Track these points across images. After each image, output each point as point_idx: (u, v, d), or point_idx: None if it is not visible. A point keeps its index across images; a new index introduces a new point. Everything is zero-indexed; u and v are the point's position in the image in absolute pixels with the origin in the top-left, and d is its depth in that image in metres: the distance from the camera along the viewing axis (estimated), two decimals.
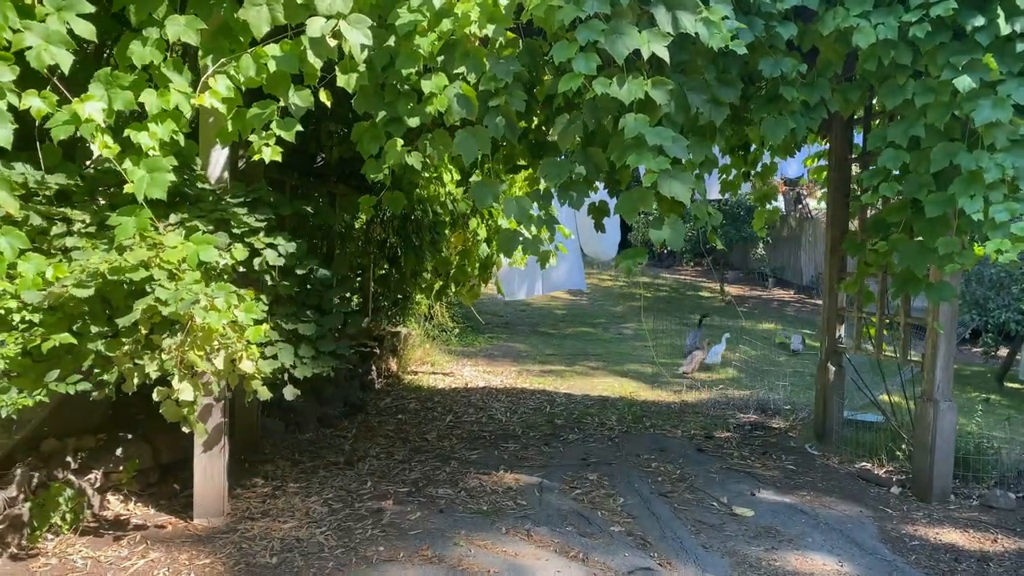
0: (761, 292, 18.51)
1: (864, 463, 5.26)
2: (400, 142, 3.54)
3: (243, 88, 3.36)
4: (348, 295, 6.27)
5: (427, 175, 6.56)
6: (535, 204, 3.68)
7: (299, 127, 3.41)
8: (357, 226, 7.54)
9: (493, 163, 5.84)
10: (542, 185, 3.88)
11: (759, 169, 6.24)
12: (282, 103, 3.38)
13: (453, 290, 7.44)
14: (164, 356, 3.35)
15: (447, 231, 7.12)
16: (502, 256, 7.64)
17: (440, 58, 3.45)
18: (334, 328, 4.13)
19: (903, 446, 5.19)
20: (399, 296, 8.88)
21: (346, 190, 7.00)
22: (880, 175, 3.99)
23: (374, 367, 7.68)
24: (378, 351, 7.81)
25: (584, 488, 4.66)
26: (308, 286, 4.15)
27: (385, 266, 6.67)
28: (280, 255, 3.76)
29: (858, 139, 5.86)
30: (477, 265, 7.06)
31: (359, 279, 7.81)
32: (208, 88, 3.24)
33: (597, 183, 4.73)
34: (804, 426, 6.24)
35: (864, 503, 4.56)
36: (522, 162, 5.80)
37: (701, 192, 3.75)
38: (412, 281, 6.76)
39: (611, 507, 4.36)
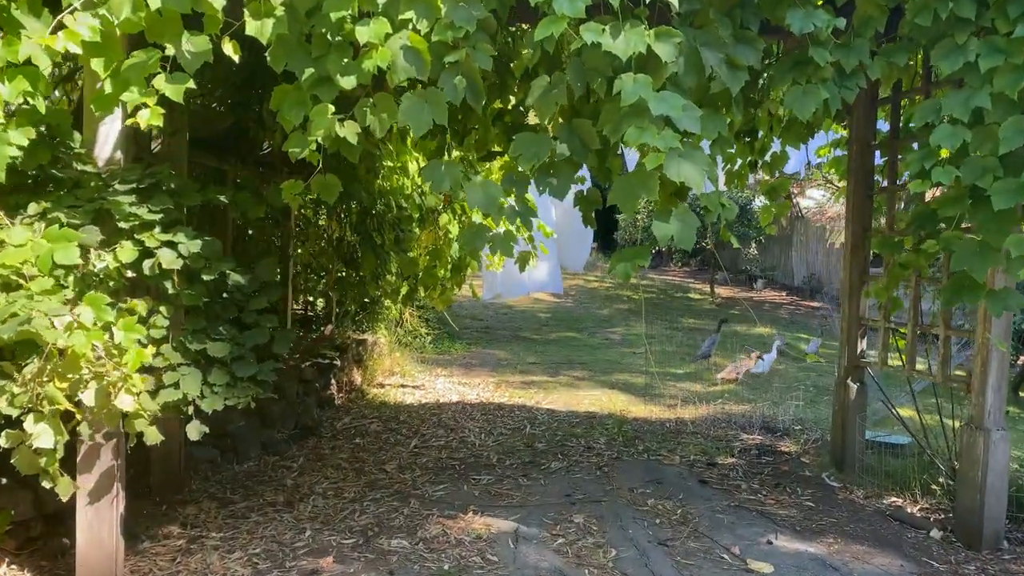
0: (752, 294, 17.85)
1: (894, 498, 4.51)
2: (330, 109, 2.74)
3: (119, 32, 2.54)
4: (279, 304, 5.46)
5: (390, 164, 5.76)
6: (507, 192, 2.90)
7: (192, 84, 2.60)
8: (322, 222, 6.73)
9: (463, 149, 5.06)
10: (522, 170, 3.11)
11: (767, 159, 5.50)
12: (171, 52, 2.57)
13: (422, 294, 6.64)
14: (15, 389, 2.53)
15: (416, 228, 6.31)
16: (480, 256, 6.85)
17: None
18: (257, 346, 3.32)
19: (940, 479, 4.45)
20: (366, 300, 8.07)
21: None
22: (931, 157, 3.23)
23: (334, 381, 6.86)
24: (339, 363, 6.98)
25: (569, 536, 3.87)
26: (224, 295, 3.34)
27: (342, 268, 5.86)
28: (181, 256, 2.94)
29: (882, 125, 5.13)
30: (449, 267, 6.26)
31: (322, 281, 7.00)
32: (63, 27, 2.42)
33: (584, 169, 3.97)
34: (818, 450, 5.50)
35: (902, 552, 3.81)
36: (497, 148, 5.02)
37: (713, 178, 2.97)
38: (374, 284, 5.96)
39: (601, 562, 3.57)
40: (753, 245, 16.36)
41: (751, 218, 15.05)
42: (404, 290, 6.40)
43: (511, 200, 3.11)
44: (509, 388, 7.79)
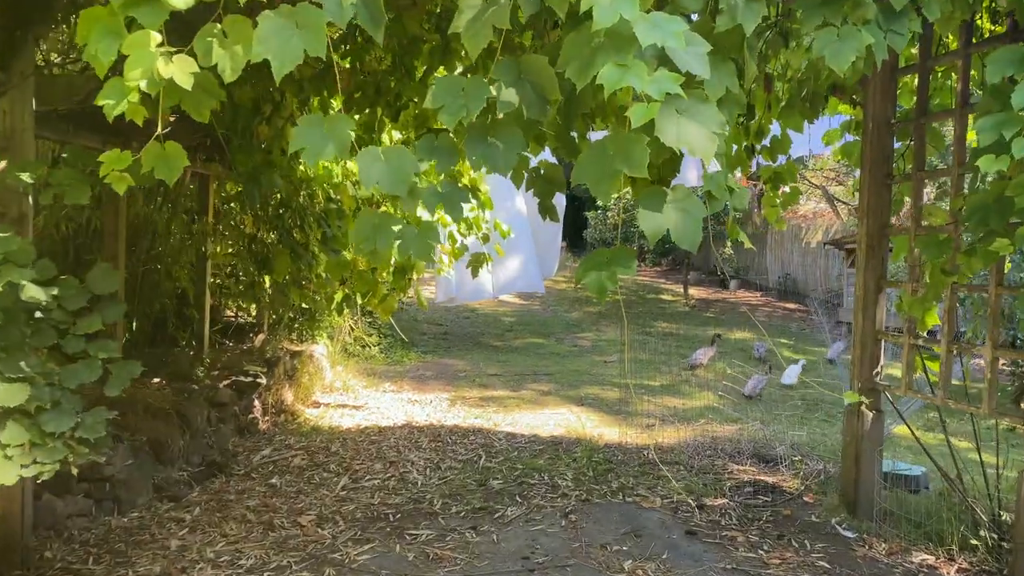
0: (726, 295, 17.14)
1: (925, 555, 3.69)
2: (154, 39, 1.79)
3: None
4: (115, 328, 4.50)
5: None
6: (420, 160, 1.98)
7: None
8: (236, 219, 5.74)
9: (399, 126, 4.14)
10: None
11: (767, 143, 4.67)
12: None
13: (359, 301, 5.70)
14: None
15: (351, 224, 5.35)
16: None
17: None
18: (81, 388, 2.36)
19: (981, 532, 3.63)
20: (304, 307, 7.10)
21: (219, 171, 5.20)
22: (1013, 124, 2.38)
23: (258, 402, 5.88)
24: (264, 380, 6.00)
25: None
26: (37, 316, 2.37)
27: (253, 271, 4.90)
28: None
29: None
30: (391, 269, 5.32)
31: (241, 286, 6.00)
32: None
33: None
34: (822, 486, 4.67)
35: None
36: (441, 125, 4.10)
37: (724, 149, 2.10)
38: (297, 290, 5.02)
39: None
40: (728, 244, 15.63)
41: (725, 215, 14.30)
42: (339, 296, 5.44)
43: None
44: (465, 406, 6.87)
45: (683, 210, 1.89)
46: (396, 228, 2.00)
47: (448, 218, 6.10)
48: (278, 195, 4.49)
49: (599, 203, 16.93)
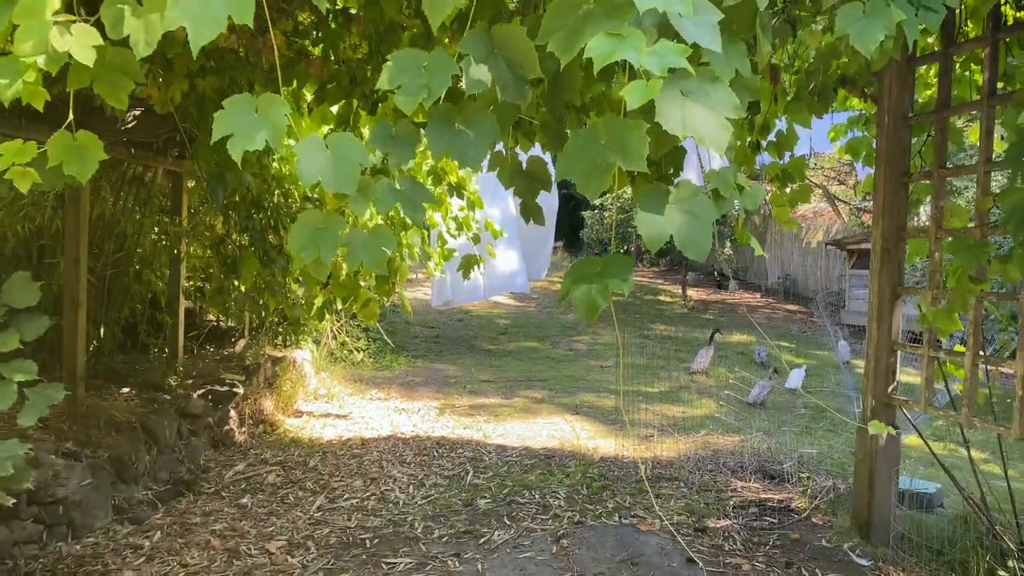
0: (724, 296, 16.85)
1: None
2: (51, 6, 1.48)
3: None
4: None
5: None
6: (373, 151, 1.67)
7: None
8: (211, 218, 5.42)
9: (377, 119, 3.83)
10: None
11: (772, 138, 4.37)
12: None
13: (340, 307, 5.39)
14: None
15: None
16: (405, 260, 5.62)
17: None
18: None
19: (1010, 562, 3.33)
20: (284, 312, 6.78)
21: (191, 168, 4.88)
22: None
23: (235, 412, 5.57)
24: (241, 389, 5.68)
25: None
26: None
27: (221, 276, 4.58)
28: None
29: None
30: (373, 274, 5.01)
31: (234, 291, 5.68)
32: None
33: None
34: (831, 506, 4.36)
35: None
36: (423, 119, 3.80)
37: (735, 140, 1.79)
38: (270, 296, 4.70)
39: None
40: (728, 244, 15.34)
41: (726, 214, 13.98)
42: (318, 302, 5.13)
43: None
44: (454, 415, 6.56)
45: (689, 212, 1.58)
46: (344, 233, 1.69)
47: (436, 218, 5.78)
48: (249, 194, 4.18)
49: (594, 201, 16.62)
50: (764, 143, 4.41)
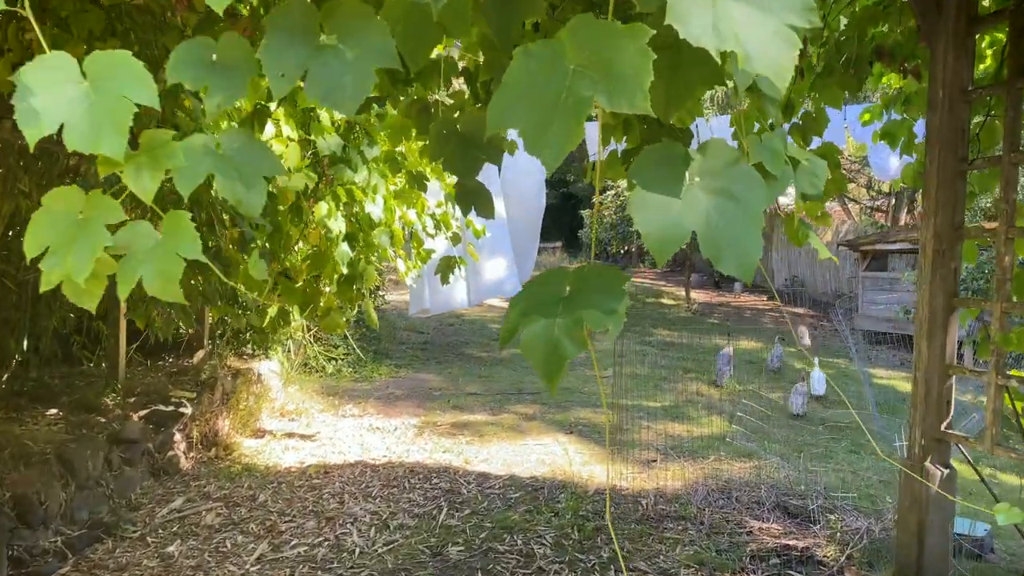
0: (729, 298, 16.16)
1: None
2: None
3: None
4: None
5: (230, 124, 3.82)
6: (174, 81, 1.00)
7: None
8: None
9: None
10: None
11: (798, 121, 3.70)
12: None
13: (297, 316, 4.72)
14: None
15: (286, 222, 4.37)
16: (378, 264, 4.96)
17: None
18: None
19: None
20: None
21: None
22: None
23: (180, 435, 4.89)
24: (188, 408, 5.02)
25: None
26: None
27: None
28: None
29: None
30: (335, 279, 4.34)
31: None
32: None
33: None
34: (866, 554, 3.69)
35: None
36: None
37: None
38: (215, 307, 4.04)
39: None
40: None
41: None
42: (272, 311, 4.46)
43: None
44: (434, 435, 5.89)
45: (724, 193, 0.91)
46: (125, 230, 1.02)
47: (411, 214, 5.10)
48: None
49: (593, 199, 15.90)
50: (787, 126, 3.74)
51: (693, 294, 15.21)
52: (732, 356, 8.29)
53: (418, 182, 4.01)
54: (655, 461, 5.36)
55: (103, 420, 4.61)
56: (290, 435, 5.74)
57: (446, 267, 5.06)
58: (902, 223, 15.40)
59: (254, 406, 6.01)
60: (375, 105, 4.03)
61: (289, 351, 7.37)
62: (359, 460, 5.17)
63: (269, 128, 4.00)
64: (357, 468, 4.97)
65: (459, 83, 3.48)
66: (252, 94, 3.09)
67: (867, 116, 4.08)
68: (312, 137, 4.14)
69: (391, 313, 11.45)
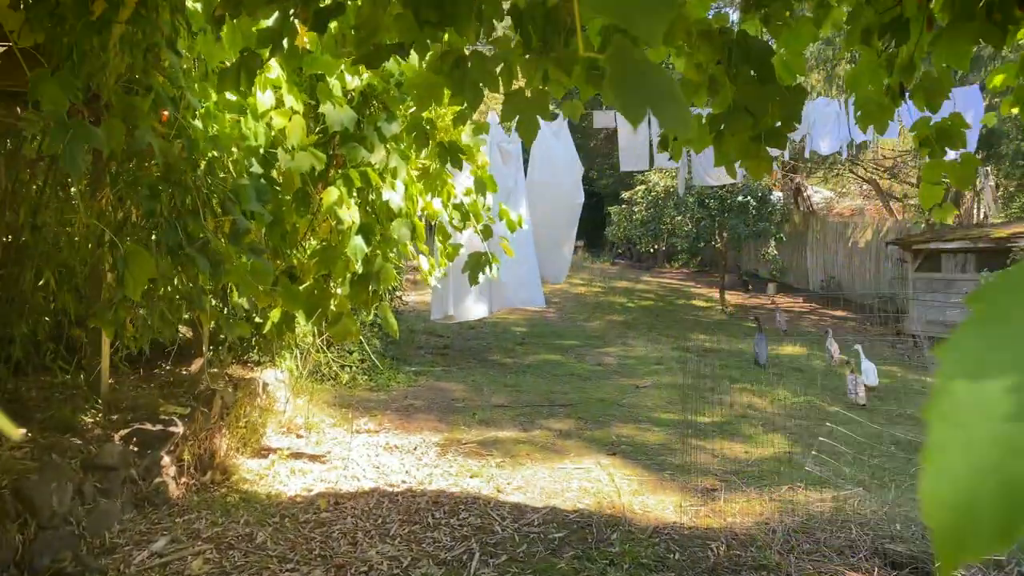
0: (763, 300, 15.37)
1: None
2: None
3: None
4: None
5: (229, 97, 3.18)
6: None
7: None
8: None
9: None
10: None
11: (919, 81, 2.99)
12: None
13: (303, 324, 4.06)
14: None
15: (297, 211, 3.69)
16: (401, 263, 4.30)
17: None
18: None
19: None
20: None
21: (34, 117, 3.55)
22: None
23: (169, 459, 4.24)
24: (179, 427, 4.36)
25: None
26: None
27: (112, 282, 3.23)
28: None
29: None
30: (347, 279, 3.66)
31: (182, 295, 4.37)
32: None
33: None
34: None
35: None
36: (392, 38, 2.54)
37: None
38: (197, 311, 3.38)
39: None
40: (772, 243, 13.84)
41: (771, 210, 12.53)
42: (275, 316, 3.78)
43: None
44: (459, 455, 5.20)
45: None
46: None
47: (435, 203, 4.43)
48: (151, 161, 2.87)
49: (623, 195, 15.19)
50: (909, 89, 3.02)
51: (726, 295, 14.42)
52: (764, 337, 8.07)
53: (451, 156, 3.32)
54: (716, 490, 4.64)
55: (79, 442, 3.96)
56: (297, 455, 5.07)
57: (475, 265, 4.38)
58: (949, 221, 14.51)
59: (258, 421, 5.36)
60: (396, 59, 3.36)
61: (299, 357, 6.71)
62: (375, 487, 4.49)
63: (268, 97, 3.34)
64: (372, 498, 4.30)
65: (503, 28, 2.80)
66: (235, 38, 2.41)
67: (999, 78, 3.33)
68: (320, 109, 3.46)
69: (409, 315, 10.79)
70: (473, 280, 4.35)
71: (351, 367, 7.34)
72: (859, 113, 2.87)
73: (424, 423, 6.05)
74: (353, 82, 3.64)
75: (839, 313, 14.10)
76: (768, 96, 2.55)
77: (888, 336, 12.04)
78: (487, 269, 4.37)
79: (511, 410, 6.54)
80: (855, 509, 4.22)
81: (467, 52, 2.48)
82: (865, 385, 7.07)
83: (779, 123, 2.58)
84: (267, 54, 2.33)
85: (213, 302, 3.76)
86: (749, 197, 12.06)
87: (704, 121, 2.70)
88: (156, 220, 2.88)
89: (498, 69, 2.50)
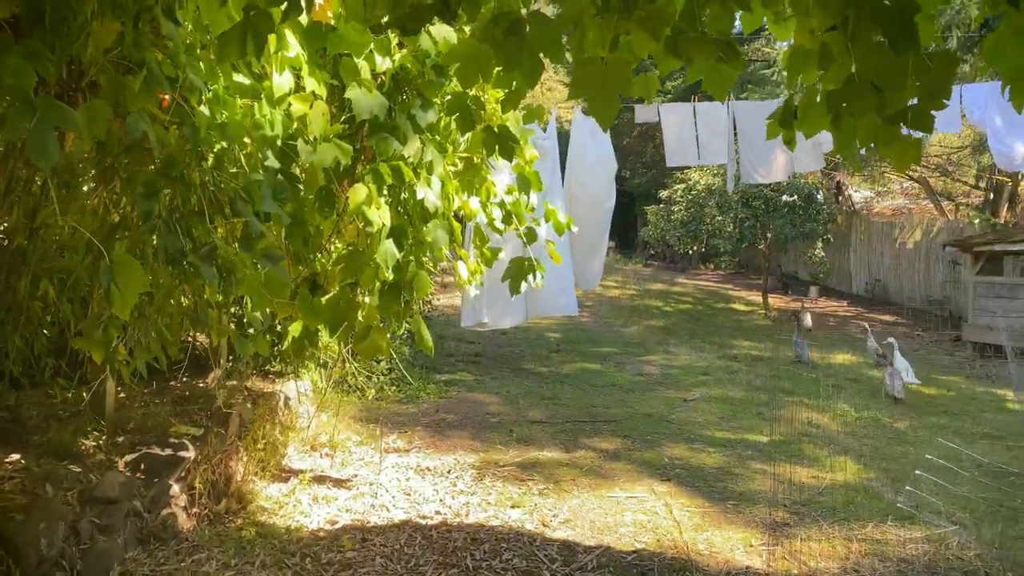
0: (807, 303, 14.69)
1: None
2: None
3: None
4: None
5: (239, 79, 2.74)
6: None
7: None
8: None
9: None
10: None
11: None
12: None
13: (325, 340, 3.62)
14: None
15: (321, 212, 3.23)
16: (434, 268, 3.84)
17: None
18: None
19: None
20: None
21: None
22: None
23: (178, 487, 3.81)
24: (191, 452, 3.94)
25: None
26: None
27: (101, 295, 2.81)
28: None
29: None
30: (376, 288, 3.20)
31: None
32: None
33: None
34: None
35: None
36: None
37: None
38: (209, 327, 2.94)
39: None
40: (819, 244, 13.18)
41: (817, 210, 11.89)
42: (295, 331, 3.33)
43: None
44: (497, 480, 4.72)
45: None
46: None
47: (473, 203, 3.98)
48: (147, 152, 2.44)
49: (661, 194, 14.59)
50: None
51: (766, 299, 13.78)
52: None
53: (501, 145, 2.84)
54: (787, 525, 4.12)
55: (78, 470, 3.55)
56: (320, 479, 4.63)
57: (518, 272, 3.88)
58: (1002, 220, 13.77)
59: (278, 440, 4.93)
60: (431, 36, 2.90)
61: (325, 365, 6.29)
62: (405, 520, 4.02)
63: (286, 78, 2.89)
64: (404, 533, 3.83)
65: None
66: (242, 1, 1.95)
67: None
68: (347, 94, 3.00)
69: (439, 320, 10.35)
70: (515, 290, 3.86)
71: (379, 377, 6.90)
72: (1008, 87, 2.33)
73: (458, 441, 5.58)
74: (384, 64, 3.17)
75: (887, 317, 13.42)
76: (900, 67, 2.04)
77: (942, 342, 11.36)
78: (531, 277, 3.89)
79: (550, 426, 6.04)
80: (955, 554, 3.67)
81: (525, 14, 2.00)
82: (903, 381, 7.06)
83: (915, 100, 2.07)
84: (280, 15, 1.87)
85: (226, 316, 3.32)
86: (795, 196, 11.43)
87: (818, 99, 2.19)
88: (154, 223, 2.43)
89: (564, 38, 2.02)
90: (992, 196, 14.07)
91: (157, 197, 2.48)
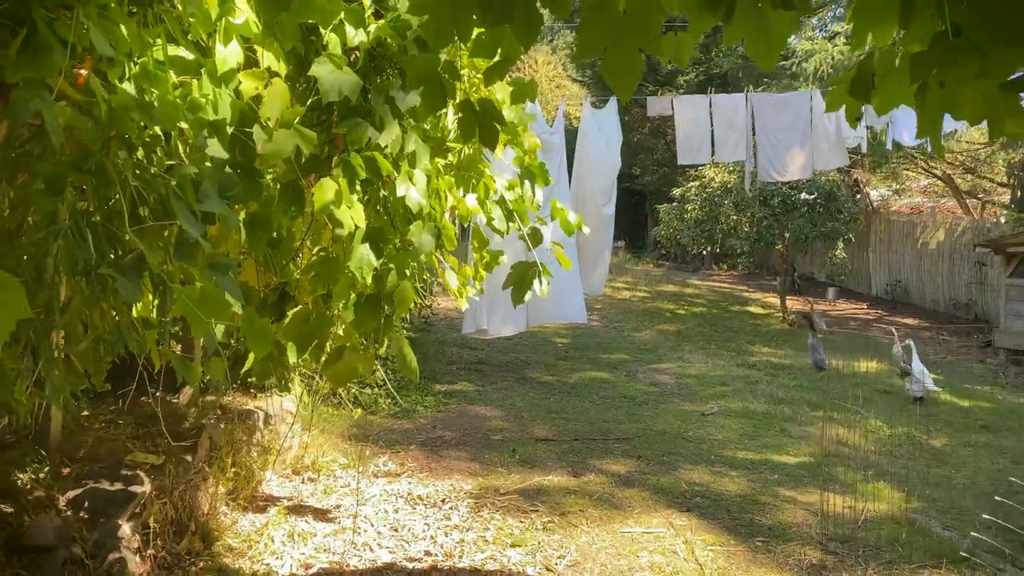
0: (825, 306, 14.14)
1: None
2: None
3: None
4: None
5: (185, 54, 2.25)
6: None
7: None
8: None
9: None
10: None
11: None
12: None
13: (293, 360, 3.12)
14: None
15: (285, 211, 2.73)
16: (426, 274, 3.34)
17: None
18: None
19: None
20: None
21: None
22: None
23: (128, 527, 3.32)
24: (145, 486, 3.45)
25: None
26: None
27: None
28: None
29: None
30: (350, 301, 2.70)
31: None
32: None
33: None
34: None
35: None
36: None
37: None
38: (144, 352, 2.48)
39: None
40: (840, 244, 12.60)
41: (839, 208, 11.33)
42: (252, 360, 2.83)
43: None
44: (496, 512, 4.22)
45: None
46: None
47: (469, 200, 3.52)
48: (46, 142, 1.96)
49: (674, 192, 14.06)
50: None
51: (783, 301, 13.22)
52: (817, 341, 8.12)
53: (482, 125, 2.33)
54: (826, 568, 3.60)
55: (9, 510, 3.08)
56: (300, 508, 4.15)
57: (520, 279, 3.37)
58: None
59: (255, 463, 4.45)
60: (413, 3, 2.39)
61: (313, 378, 5.81)
62: (390, 563, 3.53)
63: (232, 50, 2.40)
64: None
65: None
66: None
67: None
68: (311, 71, 2.50)
69: (440, 324, 9.87)
70: (517, 300, 3.35)
71: (372, 387, 6.42)
72: None
73: (455, 463, 5.09)
74: (357, 37, 2.67)
75: (910, 321, 12.84)
76: (1015, 18, 1.53)
77: (971, 348, 10.79)
78: (535, 283, 3.38)
79: (557, 445, 5.54)
80: None
81: None
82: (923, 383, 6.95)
83: None
84: None
85: (171, 336, 2.84)
86: (816, 194, 10.87)
87: (897, 62, 1.69)
88: (57, 228, 1.95)
89: None
90: (1020, 194, 13.44)
91: (63, 195, 1.99)
